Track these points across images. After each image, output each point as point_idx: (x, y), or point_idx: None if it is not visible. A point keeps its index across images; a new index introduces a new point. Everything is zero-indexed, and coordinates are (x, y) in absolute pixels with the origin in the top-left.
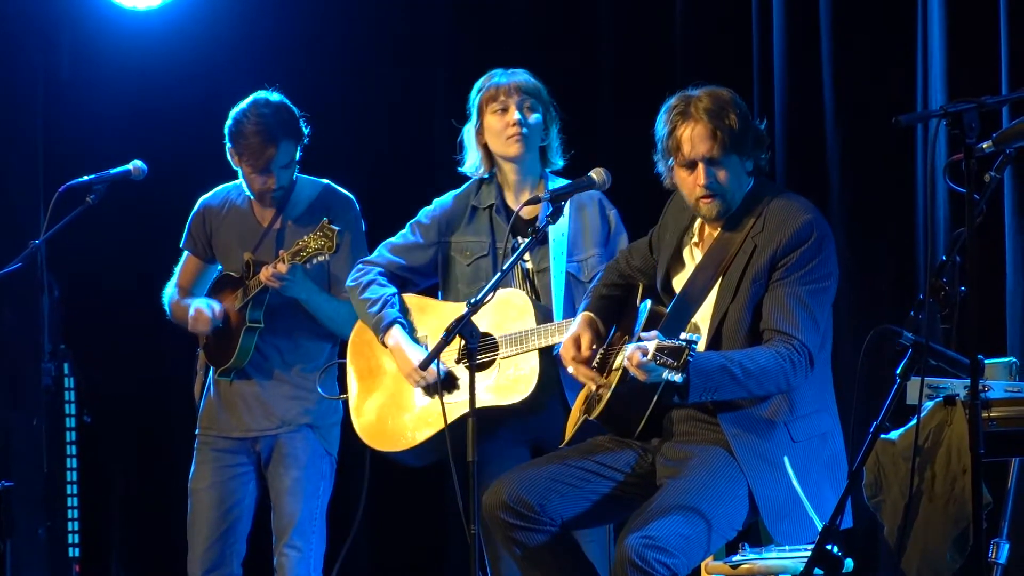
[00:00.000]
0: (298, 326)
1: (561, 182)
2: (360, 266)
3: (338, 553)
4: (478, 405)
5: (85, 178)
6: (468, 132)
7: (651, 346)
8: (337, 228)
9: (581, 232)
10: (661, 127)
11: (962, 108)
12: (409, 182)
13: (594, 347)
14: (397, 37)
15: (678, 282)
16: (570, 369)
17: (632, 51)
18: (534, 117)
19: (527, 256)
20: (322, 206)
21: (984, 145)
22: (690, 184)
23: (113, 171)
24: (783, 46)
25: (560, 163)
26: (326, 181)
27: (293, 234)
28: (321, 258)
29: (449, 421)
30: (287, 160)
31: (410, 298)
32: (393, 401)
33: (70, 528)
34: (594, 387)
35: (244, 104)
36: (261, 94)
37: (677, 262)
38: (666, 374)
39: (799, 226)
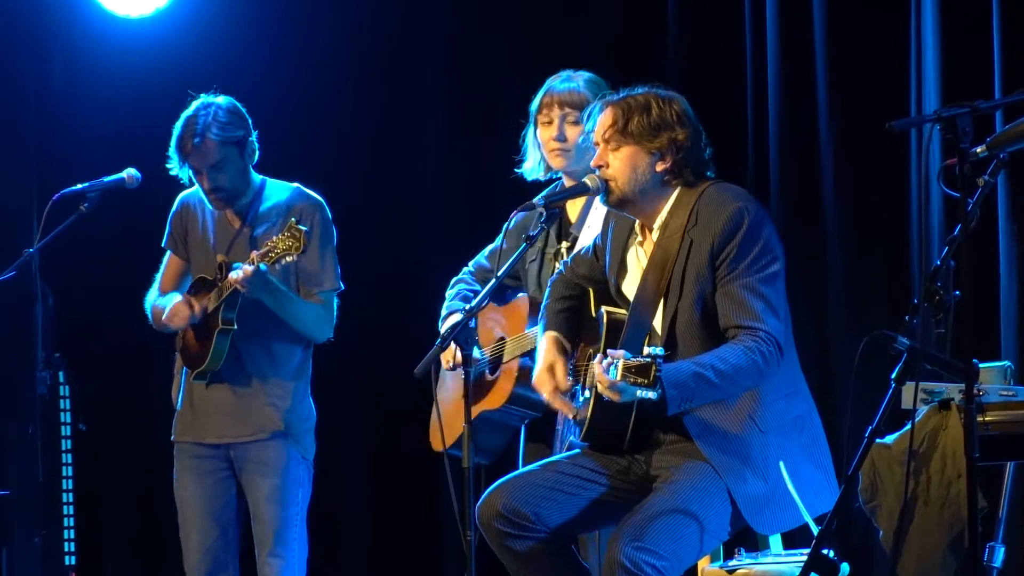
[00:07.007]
0: (269, 330)
1: None
2: (462, 270)
3: (321, 559)
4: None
5: (79, 186)
6: (528, 135)
7: (618, 366)
8: (304, 228)
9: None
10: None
11: (956, 112)
12: (401, 189)
13: (568, 371)
14: (389, 43)
15: (628, 285)
16: (548, 399)
17: (624, 60)
18: (578, 132)
19: (565, 257)
20: (291, 209)
21: (978, 149)
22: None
23: (107, 179)
24: (776, 48)
25: None
26: (296, 184)
27: (264, 237)
28: (289, 259)
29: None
30: (215, 160)
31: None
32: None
33: (66, 536)
34: (572, 415)
35: None
36: (202, 97)
37: (622, 264)
38: (639, 392)
39: (729, 215)
